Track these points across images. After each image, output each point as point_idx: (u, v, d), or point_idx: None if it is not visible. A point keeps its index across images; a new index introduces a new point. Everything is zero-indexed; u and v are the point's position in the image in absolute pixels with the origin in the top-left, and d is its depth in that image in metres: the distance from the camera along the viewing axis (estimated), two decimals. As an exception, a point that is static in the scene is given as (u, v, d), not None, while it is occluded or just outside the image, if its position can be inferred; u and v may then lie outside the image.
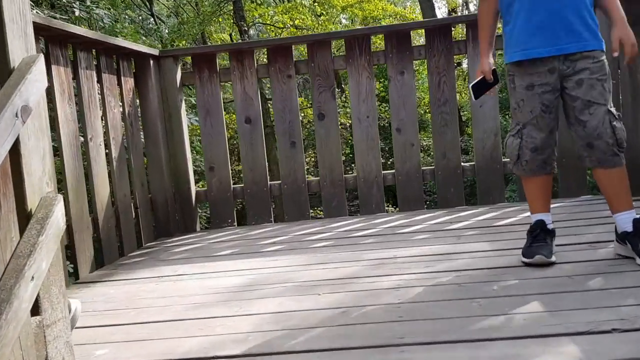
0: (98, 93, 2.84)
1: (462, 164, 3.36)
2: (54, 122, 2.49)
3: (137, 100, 3.30)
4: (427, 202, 3.92)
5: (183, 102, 3.47)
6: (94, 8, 5.40)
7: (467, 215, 3.03)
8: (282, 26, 12.08)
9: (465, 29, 3.28)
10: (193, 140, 7.87)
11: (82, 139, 2.74)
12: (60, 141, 2.49)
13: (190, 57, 3.54)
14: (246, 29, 10.77)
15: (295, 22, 11.91)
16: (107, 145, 2.91)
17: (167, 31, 14.49)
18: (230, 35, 12.29)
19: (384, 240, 2.63)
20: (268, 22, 12.15)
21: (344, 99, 10.90)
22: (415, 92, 3.35)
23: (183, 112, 3.46)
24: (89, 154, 2.71)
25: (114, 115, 2.97)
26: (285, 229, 3.16)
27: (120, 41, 3.00)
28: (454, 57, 3.33)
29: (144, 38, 10.58)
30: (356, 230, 2.92)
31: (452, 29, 3.34)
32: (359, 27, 3.13)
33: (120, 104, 3.07)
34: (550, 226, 2.06)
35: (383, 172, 3.42)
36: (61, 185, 2.54)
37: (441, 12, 16.80)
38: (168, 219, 3.37)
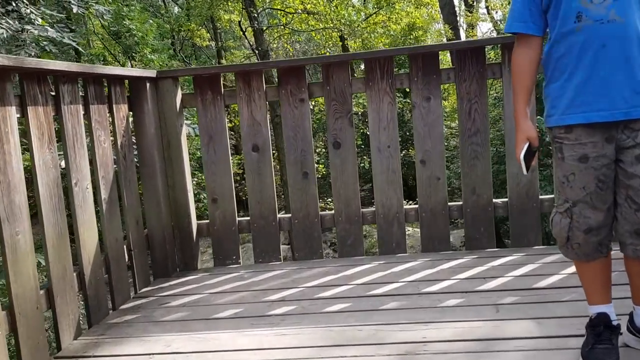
0: (86, 129, 2.51)
1: (494, 200, 3.01)
2: (30, 172, 2.16)
3: (132, 127, 2.96)
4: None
5: (184, 127, 3.13)
6: (93, 4, 5.05)
7: (501, 266, 2.68)
8: (293, 11, 11.64)
9: (501, 51, 2.90)
10: (196, 166, 7.51)
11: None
12: (38, 194, 2.16)
13: (191, 78, 3.18)
14: (256, 15, 10.35)
15: (307, 6, 11.47)
16: (95, 187, 2.58)
17: (177, 10, 14.09)
18: (240, 22, 11.87)
19: (409, 306, 2.29)
20: (278, 7, 11.71)
21: (361, 124, 10.29)
22: (442, 121, 2.99)
23: (183, 138, 3.12)
24: (73, 201, 2.39)
25: (104, 150, 2.63)
26: (295, 275, 2.84)
27: (109, 69, 2.64)
28: (487, 81, 2.95)
29: (151, 21, 10.22)
30: (375, 284, 2.58)
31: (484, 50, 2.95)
32: (381, 49, 2.78)
33: (112, 136, 2.73)
34: (615, 322, 1.72)
35: (405, 207, 3.07)
36: (40, 242, 2.22)
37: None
38: (166, 256, 3.05)
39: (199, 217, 3.31)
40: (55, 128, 2.29)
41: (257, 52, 11.51)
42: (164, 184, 3.05)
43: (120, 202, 2.78)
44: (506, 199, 3.01)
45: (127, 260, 2.79)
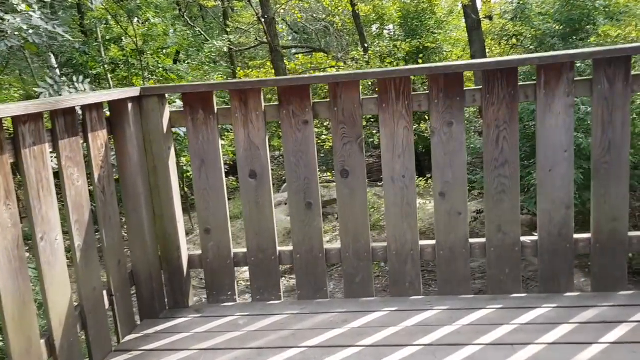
0: (54, 169, 2.16)
1: (522, 239, 2.66)
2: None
3: (113, 154, 2.62)
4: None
5: (172, 149, 2.77)
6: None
7: (531, 325, 2.35)
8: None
9: (536, 71, 2.50)
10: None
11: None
12: (-9, 262, 1.84)
13: (180, 96, 2.81)
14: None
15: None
16: (67, 234, 2.25)
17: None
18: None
19: (426, 388, 1.98)
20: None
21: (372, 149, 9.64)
22: (465, 149, 2.61)
23: (172, 162, 2.77)
24: (39, 259, 2.06)
25: (78, 190, 2.29)
26: (296, 324, 2.53)
27: (81, 98, 2.27)
28: (519, 105, 2.56)
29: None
30: (387, 348, 2.27)
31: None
32: (396, 68, 2.42)
33: (89, 168, 2.39)
34: None
35: (420, 243, 2.74)
36: None
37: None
38: (153, 295, 2.74)
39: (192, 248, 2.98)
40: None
41: (262, 20, 10.99)
42: (149, 215, 2.71)
43: (100, 243, 2.46)
44: (535, 238, 2.66)
45: (108, 306, 2.49)
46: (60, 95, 4.13)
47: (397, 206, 2.69)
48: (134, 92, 2.60)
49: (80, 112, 2.37)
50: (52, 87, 4.16)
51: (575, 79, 2.49)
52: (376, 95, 2.62)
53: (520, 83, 2.53)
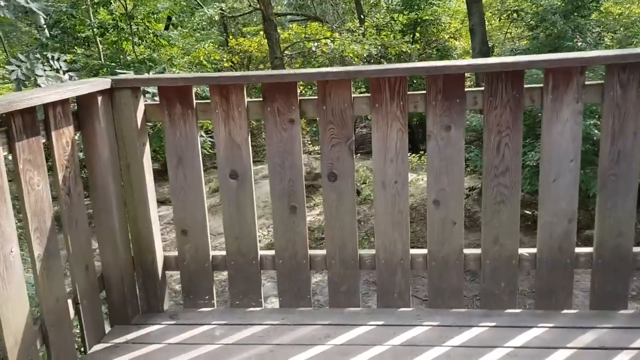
0: (9, 175, 1.95)
1: (520, 252, 2.50)
2: None
3: (81, 151, 2.41)
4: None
5: (147, 145, 2.56)
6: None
7: (526, 345, 2.20)
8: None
9: (543, 74, 2.30)
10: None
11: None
12: None
13: (155, 89, 2.58)
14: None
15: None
16: (26, 243, 2.06)
17: None
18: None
19: None
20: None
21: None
22: (463, 155, 2.42)
23: (146, 159, 2.56)
24: (-9, 275, 1.87)
25: (39, 194, 2.09)
26: (276, 338, 2.37)
27: (41, 94, 2.03)
28: (523, 109, 2.36)
29: None
30: (372, 371, 2.12)
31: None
32: (391, 67, 2.20)
33: (51, 172, 2.18)
34: None
35: (411, 252, 2.56)
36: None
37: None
38: (124, 300, 2.57)
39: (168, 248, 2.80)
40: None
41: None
42: (121, 216, 2.52)
43: (63, 248, 2.27)
44: (534, 251, 2.50)
45: (73, 315, 2.32)
46: (34, 74, 3.88)
47: (387, 214, 2.50)
48: (104, 84, 2.37)
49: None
50: (25, 64, 3.90)
51: (586, 82, 2.29)
52: (368, 94, 2.41)
53: (526, 85, 2.33)
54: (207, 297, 2.69)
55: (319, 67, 15.96)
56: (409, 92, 2.38)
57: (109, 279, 2.54)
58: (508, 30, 14.74)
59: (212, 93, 2.47)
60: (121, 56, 15.15)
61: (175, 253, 2.70)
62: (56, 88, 2.13)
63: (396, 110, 2.39)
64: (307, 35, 12.91)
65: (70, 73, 4.11)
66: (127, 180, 2.54)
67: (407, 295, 2.59)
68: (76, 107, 2.37)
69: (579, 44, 9.32)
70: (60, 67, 4.07)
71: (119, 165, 2.51)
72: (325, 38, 12.30)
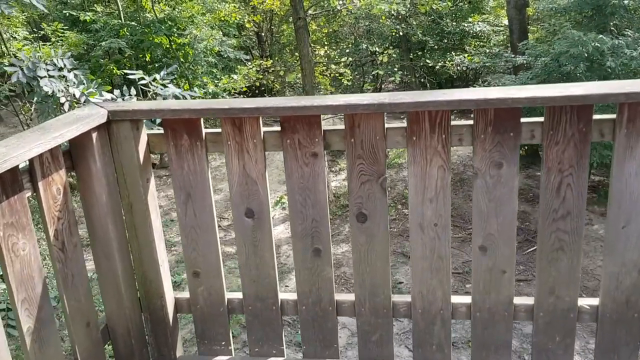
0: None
1: (580, 304, 2.16)
2: None
3: (76, 191, 2.11)
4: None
5: (151, 181, 2.26)
6: None
7: None
8: None
9: (618, 106, 1.90)
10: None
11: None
12: None
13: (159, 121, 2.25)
14: None
15: None
16: (13, 314, 1.80)
17: None
18: None
19: None
20: None
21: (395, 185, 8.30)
22: (516, 196, 2.06)
23: (151, 196, 2.26)
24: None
25: (25, 260, 1.81)
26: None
27: (19, 152, 1.72)
28: (590, 146, 1.98)
29: None
30: None
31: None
32: (432, 98, 1.85)
33: (41, 226, 1.90)
34: None
35: (453, 301, 2.25)
36: None
37: None
38: (132, 351, 2.33)
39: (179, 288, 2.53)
40: None
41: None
42: (125, 261, 2.25)
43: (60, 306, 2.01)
44: (596, 303, 2.16)
45: (75, 378, 2.09)
46: (36, 75, 3.57)
47: (425, 259, 2.18)
48: (99, 118, 2.05)
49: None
50: (26, 63, 3.59)
51: (668, 114, 1.89)
52: (404, 124, 2.05)
53: (595, 117, 1.94)
54: (223, 343, 2.44)
55: (342, 26, 15.34)
56: (453, 123, 2.02)
57: (115, 330, 2.29)
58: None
59: (223, 123, 2.14)
60: (141, 14, 14.74)
61: (188, 295, 2.43)
62: (40, 135, 1.82)
63: (437, 144, 2.03)
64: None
65: (76, 71, 3.80)
66: (130, 221, 2.25)
67: (447, 347, 2.29)
68: (68, 145, 2.07)
69: (626, 1, 8.63)
70: (65, 65, 3.76)
71: (121, 206, 2.22)
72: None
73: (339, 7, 12.59)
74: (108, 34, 13.93)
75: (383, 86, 17.97)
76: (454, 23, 13.97)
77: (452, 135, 2.03)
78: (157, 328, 2.40)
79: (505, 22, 14.61)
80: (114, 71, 14.80)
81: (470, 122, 2.02)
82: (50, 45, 14.54)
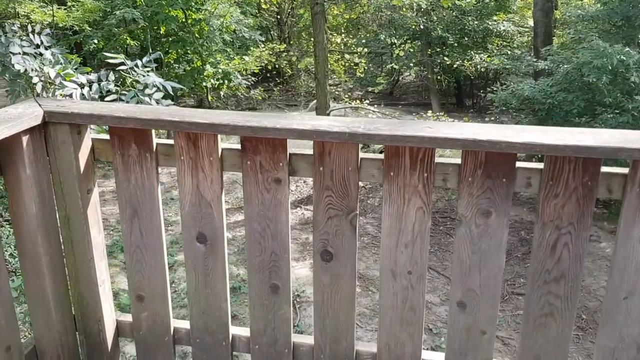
0: None
1: (567, 378, 1.88)
2: None
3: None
4: None
5: (94, 192, 1.99)
6: None
7: None
8: None
9: (630, 162, 1.60)
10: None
11: None
12: None
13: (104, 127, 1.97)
14: None
15: None
16: None
17: None
18: None
19: None
20: None
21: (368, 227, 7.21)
22: (504, 251, 1.78)
23: (92, 209, 2.00)
24: None
25: None
26: None
27: None
28: (595, 202, 1.68)
29: None
30: None
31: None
32: (415, 133, 1.62)
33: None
34: None
35: (423, 357, 1.98)
36: None
37: None
38: (64, 377, 2.08)
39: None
40: None
41: None
42: (57, 280, 2.00)
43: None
44: None
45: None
46: (9, 52, 3.31)
47: (395, 309, 1.91)
48: (33, 120, 1.78)
49: None
50: (0, 38, 3.32)
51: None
52: (381, 156, 1.77)
53: (603, 169, 1.64)
54: None
55: (361, 15, 14.93)
56: (438, 160, 1.73)
57: (44, 353, 2.04)
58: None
59: (176, 135, 1.86)
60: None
61: (129, 319, 2.17)
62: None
63: (417, 182, 1.74)
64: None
65: (53, 50, 3.52)
66: (66, 236, 1.99)
67: None
68: (-5, 148, 1.80)
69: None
70: (42, 42, 3.48)
71: (56, 218, 1.96)
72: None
73: (359, -6, 12.24)
74: (124, 2, 13.66)
75: (398, 80, 17.57)
76: (477, 21, 13.53)
77: (436, 174, 1.74)
78: (93, 353, 2.15)
79: (531, 23, 14.17)
80: (127, 41, 14.52)
81: (458, 160, 1.73)
82: (65, 9, 14.30)
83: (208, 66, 13.60)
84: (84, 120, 1.82)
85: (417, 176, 1.73)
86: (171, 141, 1.90)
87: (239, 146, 1.85)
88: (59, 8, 14.25)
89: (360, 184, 1.75)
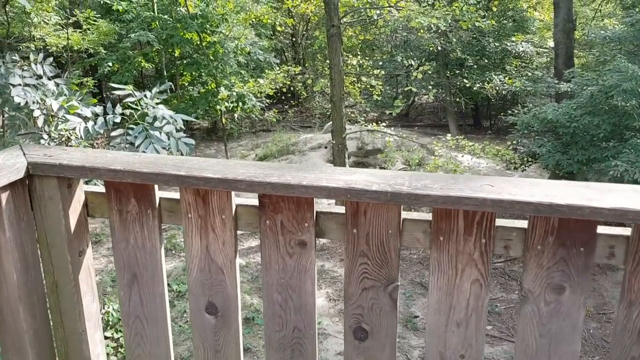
0: None
1: None
2: None
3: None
4: None
5: (87, 253, 1.71)
6: None
7: None
8: None
9: None
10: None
11: None
12: None
13: (100, 181, 1.69)
14: None
15: None
16: None
17: None
18: None
19: None
20: None
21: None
22: (580, 334, 1.45)
23: (85, 272, 1.71)
24: None
25: None
26: None
27: None
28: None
29: None
30: None
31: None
32: (473, 194, 1.38)
33: None
34: None
35: None
36: None
37: None
38: None
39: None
40: None
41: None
42: (41, 356, 1.70)
43: None
44: None
45: None
46: (8, 83, 3.06)
47: None
48: (14, 173, 1.51)
49: None
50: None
51: None
52: (429, 218, 1.46)
53: None
54: None
55: (376, 36, 14.73)
56: (499, 223, 1.42)
57: None
58: (598, 7, 13.05)
59: (182, 190, 1.57)
60: (174, 7, 14.34)
61: (130, 396, 1.87)
62: None
63: (473, 249, 1.43)
64: (369, 1, 11.70)
65: (57, 80, 3.28)
66: (54, 305, 1.70)
67: None
68: (-31, 206, 1.53)
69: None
70: (45, 72, 3.24)
71: (42, 285, 1.67)
72: (390, 6, 11.09)
73: (375, 17, 12.01)
74: (139, 25, 13.59)
75: (414, 101, 17.29)
76: (496, 42, 13.26)
77: (496, 240, 1.43)
78: None
79: (551, 44, 13.88)
80: (142, 63, 14.42)
81: (523, 224, 1.42)
82: (80, 32, 14.25)
83: (222, 88, 13.45)
84: (74, 173, 1.54)
85: (473, 242, 1.42)
86: (177, 195, 1.61)
87: (256, 201, 1.56)
88: (74, 31, 14.22)
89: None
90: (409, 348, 5.53)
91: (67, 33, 13.84)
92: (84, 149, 1.66)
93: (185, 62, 14.28)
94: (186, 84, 15.00)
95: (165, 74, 14.52)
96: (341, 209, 1.52)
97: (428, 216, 1.47)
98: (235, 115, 15.31)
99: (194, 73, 14.29)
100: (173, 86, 14.53)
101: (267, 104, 14.61)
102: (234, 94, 13.00)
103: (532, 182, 1.37)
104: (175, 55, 14.15)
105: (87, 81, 15.76)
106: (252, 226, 1.59)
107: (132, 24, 13.71)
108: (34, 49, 14.05)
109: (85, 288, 1.71)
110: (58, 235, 1.62)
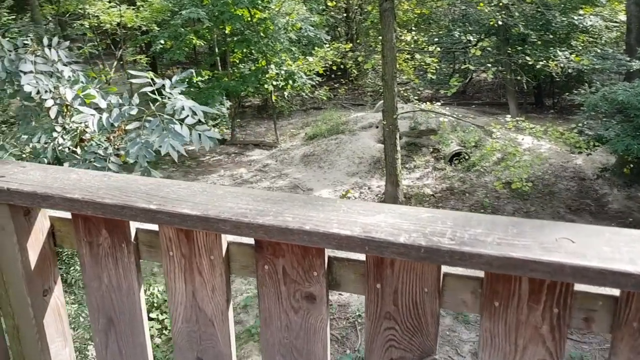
0: None
1: None
2: None
3: None
4: None
5: (54, 292, 1.40)
6: None
7: None
8: None
9: None
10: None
11: None
12: None
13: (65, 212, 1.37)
14: None
15: None
16: None
17: None
18: None
19: None
20: None
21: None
22: None
23: (53, 313, 1.41)
24: None
25: None
26: None
27: None
28: None
29: None
30: None
31: None
32: (539, 259, 1.05)
33: None
34: None
35: None
36: None
37: None
38: None
39: None
40: None
41: None
42: (4, 415, 1.42)
43: None
44: None
45: None
46: (19, 70, 2.80)
47: None
48: (-52, 199, 1.20)
49: None
50: (7, 56, 2.81)
51: None
52: (481, 274, 1.07)
53: None
54: None
55: (433, 10, 14.04)
56: (579, 288, 1.02)
57: None
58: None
59: (161, 225, 1.23)
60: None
61: None
62: None
63: (541, 322, 1.03)
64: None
65: (73, 66, 3.00)
66: (17, 352, 1.41)
67: None
68: None
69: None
70: (59, 57, 2.96)
71: (2, 331, 1.38)
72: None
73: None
74: (191, 2, 13.38)
75: (472, 77, 16.50)
76: (562, 16, 12.36)
77: (574, 310, 1.02)
78: None
79: (622, 17, 12.87)
80: (194, 41, 14.27)
81: (615, 291, 1.01)
82: (134, 9, 14.21)
83: (272, 66, 13.15)
84: (24, 200, 1.22)
85: (542, 312, 1.03)
86: (155, 229, 1.27)
87: (252, 240, 1.20)
88: (127, 8, 14.17)
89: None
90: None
91: (120, 10, 13.79)
92: (45, 166, 1.34)
93: (235, 39, 14.01)
94: (237, 61, 14.77)
95: (217, 51, 14.34)
96: (361, 255, 1.15)
97: (480, 272, 1.07)
98: (286, 93, 15.02)
99: (244, 50, 14.02)
100: (224, 63, 14.32)
101: (317, 82, 14.23)
102: (283, 72, 12.67)
103: (632, 236, 0.96)
104: (226, 32, 13.90)
105: (140, 59, 15.77)
106: (248, 270, 1.24)
107: (184, 1, 13.52)
108: (87, 26, 14.09)
109: (54, 333, 1.41)
110: (14, 273, 1.32)
